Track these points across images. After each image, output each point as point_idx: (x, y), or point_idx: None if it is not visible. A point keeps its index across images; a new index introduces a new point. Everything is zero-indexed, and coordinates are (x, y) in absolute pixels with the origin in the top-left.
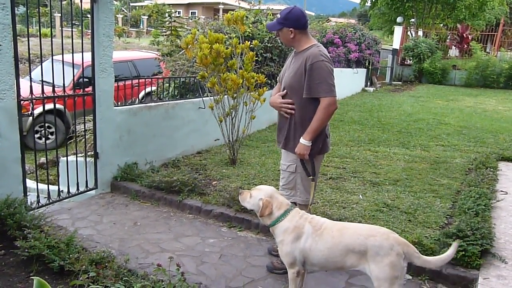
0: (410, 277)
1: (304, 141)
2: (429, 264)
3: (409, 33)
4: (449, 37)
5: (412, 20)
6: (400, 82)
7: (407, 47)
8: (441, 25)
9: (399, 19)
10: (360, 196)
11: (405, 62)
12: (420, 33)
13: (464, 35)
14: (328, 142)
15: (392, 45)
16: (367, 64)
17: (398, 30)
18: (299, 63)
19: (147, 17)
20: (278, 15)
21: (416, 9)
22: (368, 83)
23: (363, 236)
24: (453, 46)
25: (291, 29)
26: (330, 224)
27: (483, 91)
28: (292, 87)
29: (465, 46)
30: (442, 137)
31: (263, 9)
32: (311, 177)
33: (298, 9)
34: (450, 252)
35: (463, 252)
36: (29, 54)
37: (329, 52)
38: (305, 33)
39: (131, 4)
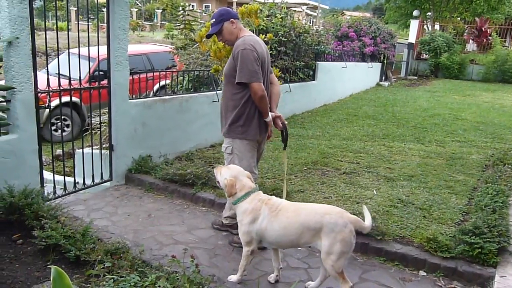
0: (425, 274)
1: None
2: (368, 228)
3: (425, 27)
4: (466, 31)
5: (429, 13)
6: (415, 77)
7: (424, 41)
8: (459, 18)
9: (415, 13)
10: (374, 191)
11: (421, 56)
12: (437, 27)
13: (483, 28)
14: (251, 130)
15: (407, 39)
16: (382, 58)
17: (414, 24)
18: (232, 53)
19: (161, 10)
20: (212, 21)
21: (433, 2)
22: (383, 78)
23: (319, 214)
24: (470, 40)
25: (231, 19)
26: (287, 205)
27: (501, 86)
28: (226, 76)
29: (484, 40)
30: (458, 133)
31: (277, 3)
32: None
33: (222, 8)
34: (368, 216)
35: (480, 250)
36: (46, 47)
37: (343, 46)
38: (240, 24)
39: None
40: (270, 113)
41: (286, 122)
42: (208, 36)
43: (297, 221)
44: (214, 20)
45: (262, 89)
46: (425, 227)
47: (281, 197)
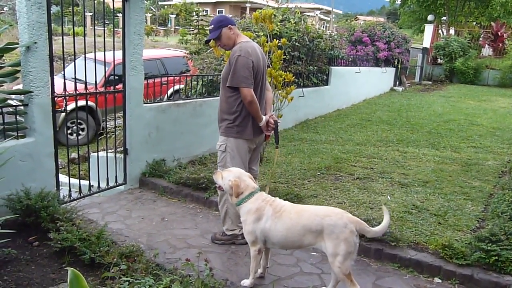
0: (440, 281)
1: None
2: (377, 233)
3: (440, 31)
4: (482, 35)
5: (444, 18)
6: (430, 82)
7: (438, 46)
8: (474, 23)
9: (430, 17)
10: (388, 197)
11: (436, 61)
12: (452, 31)
13: (499, 33)
14: (246, 130)
15: (422, 44)
16: (396, 63)
17: (428, 29)
18: (229, 59)
19: (175, 15)
20: (211, 27)
21: (448, 6)
22: (397, 83)
23: (320, 216)
24: (486, 44)
25: (229, 26)
26: (290, 207)
27: None
28: (223, 79)
29: (500, 44)
30: (474, 139)
31: (291, 8)
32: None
33: (220, 15)
34: (386, 220)
35: (496, 257)
36: (63, 52)
37: (357, 51)
38: (237, 30)
39: (159, 3)
40: (264, 117)
41: (278, 120)
42: (207, 41)
43: (299, 223)
44: (212, 26)
45: (251, 94)
46: (440, 234)
47: (293, 201)
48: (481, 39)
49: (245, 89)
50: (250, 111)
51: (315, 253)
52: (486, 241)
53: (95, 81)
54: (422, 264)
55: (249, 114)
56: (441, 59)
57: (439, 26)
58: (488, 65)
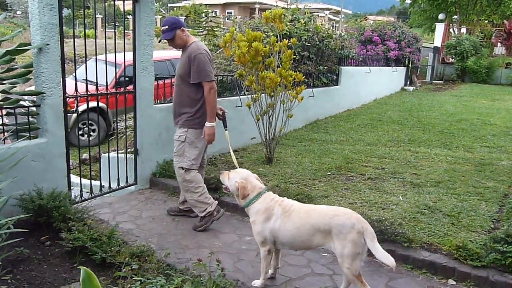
0: (454, 283)
1: (208, 123)
2: (374, 251)
3: (451, 30)
4: (494, 34)
5: (455, 17)
6: (441, 81)
7: (449, 45)
8: (486, 21)
9: (441, 16)
10: (400, 197)
11: (447, 61)
12: (464, 30)
13: None
14: (204, 120)
15: (433, 43)
16: (407, 62)
17: (439, 28)
18: (186, 57)
19: (184, 17)
20: (165, 27)
21: (460, 5)
22: (408, 82)
23: (328, 216)
24: (499, 43)
25: (181, 28)
26: (299, 206)
27: None
28: (181, 76)
29: None
30: (487, 138)
31: (300, 8)
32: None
33: (172, 16)
34: (391, 260)
35: None
36: (74, 53)
37: (367, 51)
38: (187, 31)
39: (169, 5)
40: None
41: (226, 111)
42: (160, 41)
43: (308, 222)
44: (167, 27)
45: (215, 87)
46: (454, 235)
47: (304, 201)
48: (493, 37)
49: (212, 82)
50: (213, 101)
51: (326, 254)
52: (501, 242)
53: (106, 82)
54: (436, 266)
55: (204, 106)
56: (452, 58)
57: (450, 25)
58: (501, 64)
